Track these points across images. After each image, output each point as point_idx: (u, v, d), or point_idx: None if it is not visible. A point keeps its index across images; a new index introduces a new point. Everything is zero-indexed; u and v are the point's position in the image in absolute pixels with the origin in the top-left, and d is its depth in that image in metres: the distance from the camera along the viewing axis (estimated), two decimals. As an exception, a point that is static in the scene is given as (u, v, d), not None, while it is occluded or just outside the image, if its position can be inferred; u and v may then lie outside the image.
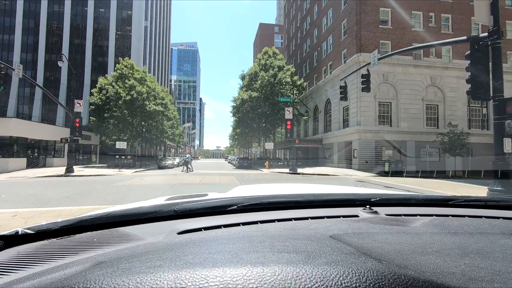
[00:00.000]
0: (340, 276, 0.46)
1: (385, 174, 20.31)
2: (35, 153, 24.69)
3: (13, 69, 15.93)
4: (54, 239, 0.89)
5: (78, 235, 0.92)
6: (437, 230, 0.87)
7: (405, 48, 12.44)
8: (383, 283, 0.45)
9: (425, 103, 25.30)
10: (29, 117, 44.83)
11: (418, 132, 24.47)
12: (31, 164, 23.15)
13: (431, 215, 1.11)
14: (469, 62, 8.33)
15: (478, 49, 8.12)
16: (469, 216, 1.12)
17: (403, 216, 1.11)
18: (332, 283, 0.44)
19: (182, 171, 22.42)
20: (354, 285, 0.44)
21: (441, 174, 20.22)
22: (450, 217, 1.10)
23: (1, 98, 46.99)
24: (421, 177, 18.74)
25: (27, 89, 48.79)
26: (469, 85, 8.27)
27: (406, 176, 19.22)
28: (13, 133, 21.42)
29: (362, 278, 0.46)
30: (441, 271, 0.54)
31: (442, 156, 23.61)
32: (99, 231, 0.95)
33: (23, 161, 22.25)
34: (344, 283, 0.44)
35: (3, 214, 5.75)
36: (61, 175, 17.59)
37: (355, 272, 0.47)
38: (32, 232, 0.89)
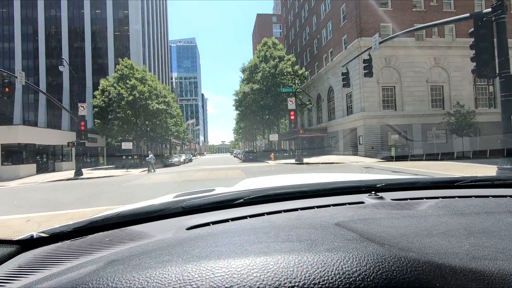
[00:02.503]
0: (340, 262, 0.47)
1: (391, 159, 20.18)
2: (44, 158, 25.07)
3: (16, 77, 16.06)
4: (68, 241, 0.92)
5: (90, 236, 0.95)
6: (443, 212, 0.87)
7: (407, 30, 12.19)
8: (382, 265, 0.46)
9: (430, 85, 24.88)
10: (35, 124, 45.42)
11: (424, 114, 24.14)
12: (41, 170, 23.54)
13: (437, 198, 1.11)
14: (473, 39, 8.14)
15: (482, 25, 7.92)
16: (475, 197, 1.12)
17: (409, 200, 1.11)
18: (333, 269, 0.45)
19: (148, 171, 21.33)
20: (354, 269, 0.45)
21: (449, 156, 19.98)
22: (457, 198, 1.10)
23: (7, 106, 47.60)
24: (428, 160, 18.57)
25: (31, 95, 49.22)
26: (474, 64, 8.10)
27: (413, 160, 19.07)
28: (22, 140, 21.74)
29: (362, 262, 0.47)
30: (444, 251, 0.55)
31: (449, 138, 23.33)
32: (110, 231, 0.97)
33: (33, 167, 22.62)
34: (345, 268, 0.46)
35: (17, 220, 5.90)
36: (70, 179, 17.88)
37: (355, 257, 0.48)
38: (47, 235, 0.92)
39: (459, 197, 1.12)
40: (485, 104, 25.70)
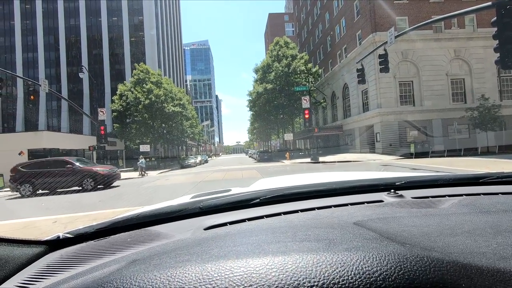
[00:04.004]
0: (360, 261, 0.46)
1: (410, 156, 19.58)
2: (67, 162, 26.12)
3: (40, 85, 16.85)
4: (92, 241, 0.95)
5: (112, 236, 0.98)
6: (467, 210, 0.84)
7: (424, 22, 11.79)
8: (404, 265, 0.45)
9: (450, 78, 23.94)
10: (58, 129, 47.46)
11: (444, 109, 23.25)
12: (65, 173, 24.55)
13: (461, 195, 1.07)
14: (496, 29, 7.77)
15: (505, 14, 7.54)
16: (502, 193, 1.07)
17: (430, 198, 1.07)
18: (352, 268, 0.44)
19: (139, 174, 21.17)
20: (374, 269, 0.44)
21: (472, 151, 19.15)
22: (482, 195, 1.06)
23: (33, 113, 50.03)
24: (450, 156, 17.88)
25: (54, 102, 51.46)
26: (498, 54, 7.73)
27: (433, 157, 18.42)
28: (46, 145, 22.79)
29: (383, 262, 0.46)
30: (470, 251, 0.53)
31: (472, 132, 22.37)
32: (131, 232, 1.00)
33: (57, 170, 23.63)
34: (365, 267, 0.44)
35: (45, 221, 6.18)
36: (92, 181, 18.52)
37: (375, 256, 0.47)
38: (72, 236, 0.96)
39: (484, 194, 1.07)
40: (511, 96, 24.44)
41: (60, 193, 11.57)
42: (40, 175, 12.30)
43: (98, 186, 12.58)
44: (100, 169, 13.18)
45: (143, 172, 21.48)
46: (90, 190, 12.10)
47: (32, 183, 12.21)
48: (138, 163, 21.93)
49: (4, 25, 51.84)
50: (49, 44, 52.22)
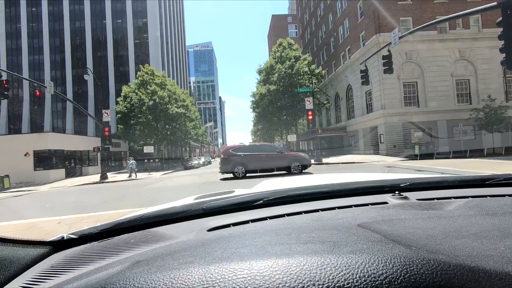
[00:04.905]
0: (365, 264, 0.45)
1: (415, 157, 19.42)
2: (71, 163, 26.37)
3: (46, 87, 17.04)
4: (95, 242, 0.96)
5: (116, 237, 0.98)
6: (473, 212, 0.83)
7: (429, 23, 11.71)
8: (410, 268, 0.44)
9: (455, 79, 23.75)
10: (63, 130, 47.89)
11: (449, 110, 23.05)
12: (69, 174, 24.77)
13: (467, 197, 1.06)
14: (501, 29, 7.70)
15: (511, 14, 7.47)
16: (509, 195, 1.05)
17: (435, 200, 1.06)
18: (357, 271, 0.44)
19: (129, 176, 20.89)
20: (380, 272, 0.43)
21: (478, 153, 18.94)
22: (488, 197, 1.04)
23: (38, 115, 50.57)
24: (455, 157, 17.71)
25: (59, 104, 51.98)
26: (503, 55, 7.65)
27: (438, 158, 18.26)
28: (51, 146, 22.99)
29: (389, 265, 0.45)
30: (477, 254, 0.52)
31: (478, 134, 22.13)
32: (135, 233, 1.00)
33: (62, 171, 23.84)
34: (370, 270, 0.44)
35: (50, 221, 6.23)
36: (96, 182, 18.67)
37: (381, 259, 0.47)
38: (76, 237, 0.96)
39: (491, 196, 1.06)
40: (517, 97, 24.16)
41: (269, 176, 12.25)
42: (253, 158, 13.19)
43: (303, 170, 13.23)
44: (302, 154, 14.21)
45: (132, 174, 21.20)
46: (297, 174, 12.48)
47: (245, 165, 13.12)
48: (129, 164, 21.55)
49: (11, 28, 52.52)
50: (54, 46, 52.79)
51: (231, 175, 13.59)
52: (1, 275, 0.68)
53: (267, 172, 13.02)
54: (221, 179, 13.39)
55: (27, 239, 0.84)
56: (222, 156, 13.57)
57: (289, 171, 12.96)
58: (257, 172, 13.06)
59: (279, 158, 13.14)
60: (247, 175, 13.11)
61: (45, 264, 0.79)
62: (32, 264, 0.79)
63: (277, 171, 13.00)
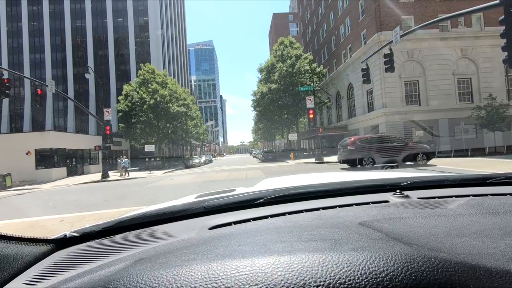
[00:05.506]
0: (367, 261, 0.46)
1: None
2: (73, 162, 26.42)
3: (47, 86, 17.06)
4: (98, 240, 0.96)
5: (118, 235, 0.99)
6: (474, 211, 0.83)
7: (431, 21, 11.66)
8: (411, 266, 0.44)
9: (457, 78, 23.66)
10: (65, 129, 47.99)
11: (451, 109, 22.98)
12: (71, 173, 24.83)
13: (468, 196, 1.06)
14: (504, 27, 7.65)
15: (513, 12, 7.43)
16: (511, 194, 1.05)
17: (436, 199, 1.06)
18: (359, 268, 0.44)
19: (120, 175, 20.91)
20: (381, 269, 0.44)
21: (480, 152, 18.87)
22: (489, 196, 1.05)
23: (39, 114, 50.70)
24: (456, 156, 17.66)
25: (61, 102, 52.07)
26: (506, 53, 7.62)
27: (440, 157, 18.21)
28: (53, 145, 23.05)
29: (390, 262, 0.45)
30: (478, 252, 0.52)
31: (479, 133, 22.06)
32: (137, 231, 1.01)
33: (63, 170, 23.91)
34: (372, 268, 0.44)
35: (52, 220, 6.26)
36: (98, 181, 18.72)
37: (382, 256, 0.47)
38: (78, 234, 0.97)
39: (492, 195, 1.06)
40: (519, 95, 24.05)
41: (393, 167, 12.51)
42: (380, 149, 13.51)
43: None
44: (425, 145, 14.47)
45: (123, 173, 21.15)
46: (423, 165, 12.94)
47: (374, 156, 13.44)
48: (121, 163, 21.39)
49: (12, 27, 52.58)
50: (55, 45, 52.84)
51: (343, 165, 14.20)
52: (5, 272, 0.69)
53: (393, 162, 13.22)
54: (341, 169, 13.78)
55: (30, 237, 0.85)
56: (349, 147, 13.88)
57: (414, 161, 13.28)
58: (384, 163, 13.29)
59: (405, 149, 13.45)
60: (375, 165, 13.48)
61: (48, 262, 0.80)
62: (35, 261, 0.80)
63: (403, 161, 13.26)
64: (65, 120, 51.68)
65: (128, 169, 21.50)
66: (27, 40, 52.58)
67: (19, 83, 51.96)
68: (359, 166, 13.46)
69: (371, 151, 13.48)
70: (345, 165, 14.43)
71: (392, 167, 11.67)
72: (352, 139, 14.15)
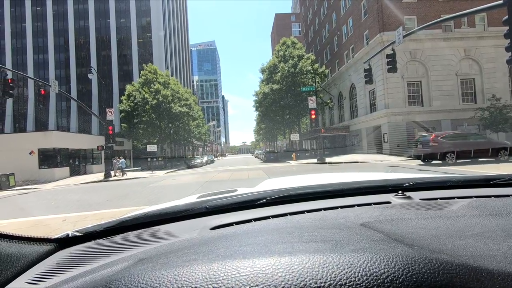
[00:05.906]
0: (368, 263, 0.46)
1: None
2: (76, 161, 26.55)
3: (50, 86, 17.17)
4: (100, 240, 0.97)
5: (120, 235, 0.99)
6: (477, 212, 0.82)
7: (433, 21, 11.63)
8: (412, 268, 0.44)
9: (460, 78, 23.54)
10: (68, 129, 48.22)
11: (454, 109, 22.86)
12: (74, 172, 24.95)
13: (471, 197, 1.06)
14: (507, 28, 7.61)
15: (517, 12, 7.39)
16: None
17: (439, 200, 1.06)
18: (359, 270, 0.44)
19: (114, 175, 20.82)
20: (382, 271, 0.43)
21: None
22: (493, 197, 1.04)
23: (43, 114, 51.00)
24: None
25: (64, 102, 52.34)
26: (509, 53, 7.57)
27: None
28: (56, 144, 23.17)
29: (391, 263, 0.45)
30: (480, 254, 0.52)
31: (482, 133, 21.93)
32: (139, 231, 1.01)
33: (66, 170, 24.03)
34: (372, 269, 0.44)
35: (55, 219, 6.29)
36: (100, 181, 18.79)
37: (383, 258, 0.47)
38: (80, 234, 0.97)
39: (495, 196, 1.05)
40: (523, 96, 23.87)
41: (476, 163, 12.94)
42: (463, 145, 13.65)
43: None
44: (507, 142, 14.60)
45: (117, 173, 21.21)
46: (504, 162, 13.11)
47: (455, 152, 13.46)
48: (118, 164, 21.44)
49: (16, 27, 52.95)
50: (59, 45, 53.15)
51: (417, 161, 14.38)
52: (8, 271, 0.69)
53: (474, 158, 13.37)
54: (417, 164, 14.04)
55: (33, 236, 0.85)
56: (431, 143, 14.00)
57: (496, 157, 13.35)
58: (466, 159, 13.41)
59: (487, 145, 13.47)
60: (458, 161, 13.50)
61: (51, 261, 0.80)
62: (38, 260, 0.80)
63: (484, 157, 13.38)
64: (68, 120, 51.94)
65: (125, 169, 21.66)
66: (30, 40, 52.92)
67: (23, 83, 52.28)
68: (440, 161, 13.53)
69: (454, 146, 13.50)
70: (419, 161, 14.54)
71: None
72: (433, 135, 14.26)
